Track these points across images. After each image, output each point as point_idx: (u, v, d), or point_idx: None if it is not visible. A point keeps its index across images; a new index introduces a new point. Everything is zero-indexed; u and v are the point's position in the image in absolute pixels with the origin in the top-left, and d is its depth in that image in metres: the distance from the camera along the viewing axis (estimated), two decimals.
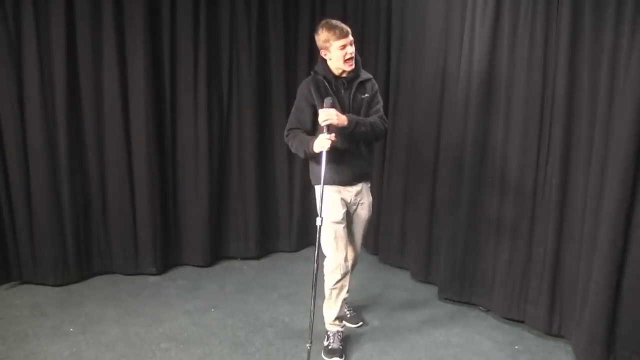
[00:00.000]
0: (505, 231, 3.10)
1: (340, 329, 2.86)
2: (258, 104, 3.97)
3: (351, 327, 3.05)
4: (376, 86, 2.82)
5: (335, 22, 2.62)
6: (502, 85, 3.03)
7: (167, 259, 3.87)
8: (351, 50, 2.61)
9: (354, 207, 2.83)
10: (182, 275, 3.81)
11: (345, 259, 2.75)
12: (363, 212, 2.87)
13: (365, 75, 2.77)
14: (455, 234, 3.32)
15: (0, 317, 3.12)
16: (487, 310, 3.28)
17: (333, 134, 2.53)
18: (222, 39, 3.80)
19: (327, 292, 2.78)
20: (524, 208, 3.01)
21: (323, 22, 2.65)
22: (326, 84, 2.66)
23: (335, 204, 2.73)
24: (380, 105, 2.81)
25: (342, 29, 2.58)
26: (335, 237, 2.71)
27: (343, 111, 2.62)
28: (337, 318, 2.83)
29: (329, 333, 2.84)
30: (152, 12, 3.54)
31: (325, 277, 2.76)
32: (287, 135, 2.77)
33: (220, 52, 3.81)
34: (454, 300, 3.39)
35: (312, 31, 4.04)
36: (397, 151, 3.91)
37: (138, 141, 3.62)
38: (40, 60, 3.31)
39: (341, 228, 2.74)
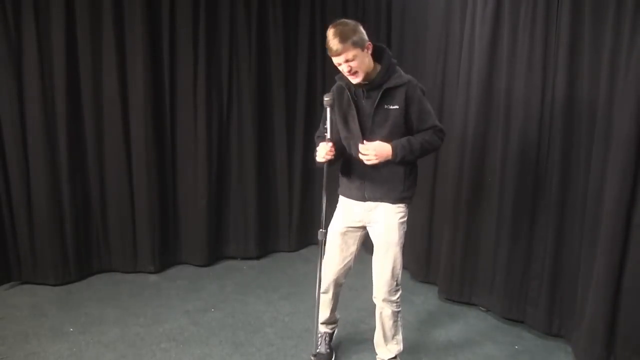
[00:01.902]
0: (505, 231, 3.10)
1: (328, 330, 2.81)
2: (258, 104, 3.97)
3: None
4: (417, 92, 2.32)
5: (333, 34, 2.20)
6: (502, 85, 3.03)
7: (165, 258, 3.87)
8: (347, 68, 2.23)
9: (368, 225, 2.50)
10: (182, 275, 3.81)
11: (334, 281, 2.58)
12: (377, 233, 2.47)
13: (397, 80, 2.29)
14: (455, 234, 3.33)
15: (0, 317, 3.12)
16: (487, 310, 3.28)
17: (330, 144, 2.27)
18: (222, 39, 3.80)
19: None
20: (524, 208, 3.01)
21: (330, 26, 2.25)
22: (347, 91, 2.35)
23: (337, 213, 2.54)
24: (429, 116, 2.34)
25: (333, 49, 2.19)
26: (328, 247, 2.50)
27: (361, 124, 2.32)
28: (324, 323, 2.78)
29: (317, 334, 2.74)
30: (151, 12, 3.54)
31: None
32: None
33: (220, 52, 3.81)
34: (454, 300, 3.40)
35: (312, 32, 4.09)
36: None
37: (138, 141, 3.62)
38: (40, 61, 3.31)
39: (334, 239, 2.50)
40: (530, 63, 2.88)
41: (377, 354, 2.67)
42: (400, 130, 2.33)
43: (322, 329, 2.80)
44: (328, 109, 2.28)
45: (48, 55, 3.33)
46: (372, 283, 2.56)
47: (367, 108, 2.33)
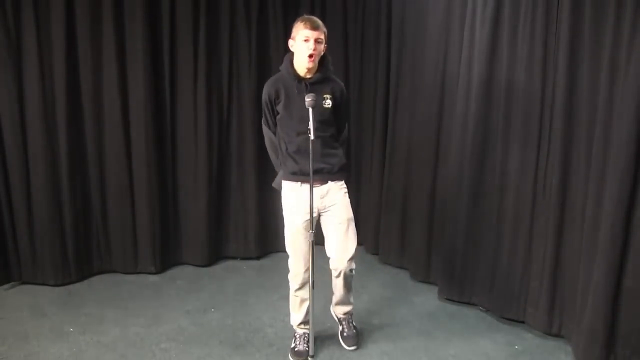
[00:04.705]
0: (505, 231, 3.10)
1: (306, 331, 2.79)
2: (258, 104, 3.95)
3: (344, 348, 2.85)
4: (346, 95, 2.69)
5: (314, 18, 2.51)
6: (502, 86, 3.03)
7: (166, 258, 3.87)
8: (313, 46, 2.44)
9: (323, 210, 2.66)
10: (182, 275, 3.81)
11: (306, 271, 2.61)
12: (336, 213, 2.65)
13: (335, 83, 2.64)
14: (455, 234, 3.32)
15: (0, 317, 3.12)
16: (487, 310, 3.28)
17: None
18: (222, 40, 3.80)
19: (290, 296, 2.77)
20: (524, 208, 3.01)
21: (304, 15, 2.55)
22: (289, 84, 2.55)
23: (295, 209, 2.61)
24: (346, 118, 2.78)
25: (313, 23, 2.45)
26: (293, 244, 2.62)
27: (301, 116, 2.48)
28: (301, 323, 2.79)
29: (295, 334, 2.82)
30: (151, 12, 3.54)
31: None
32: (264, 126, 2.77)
33: (220, 52, 3.81)
34: (454, 300, 3.39)
35: None
36: (397, 151, 3.91)
37: (138, 141, 3.62)
38: (41, 61, 3.31)
39: (300, 237, 2.59)
40: (530, 63, 2.88)
41: (339, 313, 2.90)
42: (331, 120, 2.62)
43: (300, 330, 2.81)
44: (310, 109, 2.37)
45: (48, 55, 3.33)
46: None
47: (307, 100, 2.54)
